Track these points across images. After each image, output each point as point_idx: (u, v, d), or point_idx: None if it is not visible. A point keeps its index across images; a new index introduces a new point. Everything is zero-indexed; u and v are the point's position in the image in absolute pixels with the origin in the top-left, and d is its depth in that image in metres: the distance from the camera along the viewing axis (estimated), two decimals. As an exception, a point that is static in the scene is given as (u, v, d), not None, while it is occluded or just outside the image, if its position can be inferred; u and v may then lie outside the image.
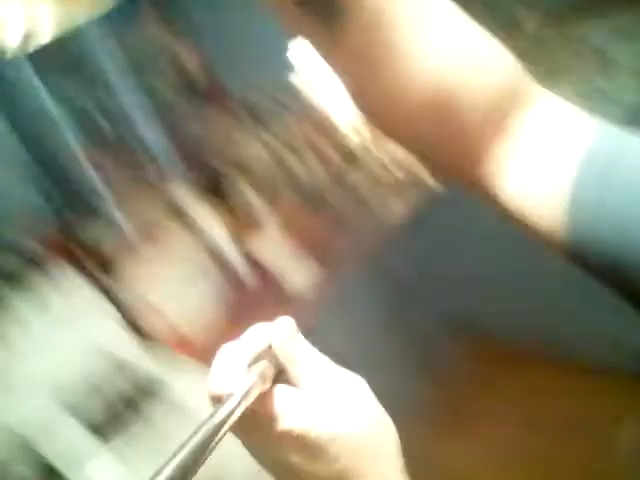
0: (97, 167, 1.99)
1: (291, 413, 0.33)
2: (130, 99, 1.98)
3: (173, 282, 2.00)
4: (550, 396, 1.88)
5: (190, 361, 1.68)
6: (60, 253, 1.89)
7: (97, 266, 1.92)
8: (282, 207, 2.18)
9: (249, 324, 0.38)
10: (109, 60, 1.91)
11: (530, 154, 0.36)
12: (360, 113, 0.40)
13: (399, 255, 2.06)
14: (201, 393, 0.37)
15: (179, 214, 2.08)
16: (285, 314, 0.38)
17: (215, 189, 2.14)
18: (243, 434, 0.35)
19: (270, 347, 0.37)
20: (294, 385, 0.35)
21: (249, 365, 0.35)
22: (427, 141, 0.38)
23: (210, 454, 0.29)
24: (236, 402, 0.31)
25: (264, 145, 2.24)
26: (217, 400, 0.34)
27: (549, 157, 0.36)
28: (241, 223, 2.10)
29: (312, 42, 0.36)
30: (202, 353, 1.64)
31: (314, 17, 0.34)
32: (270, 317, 0.38)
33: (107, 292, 1.89)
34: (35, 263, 1.82)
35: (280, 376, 0.36)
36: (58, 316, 1.77)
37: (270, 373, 0.35)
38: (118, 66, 1.95)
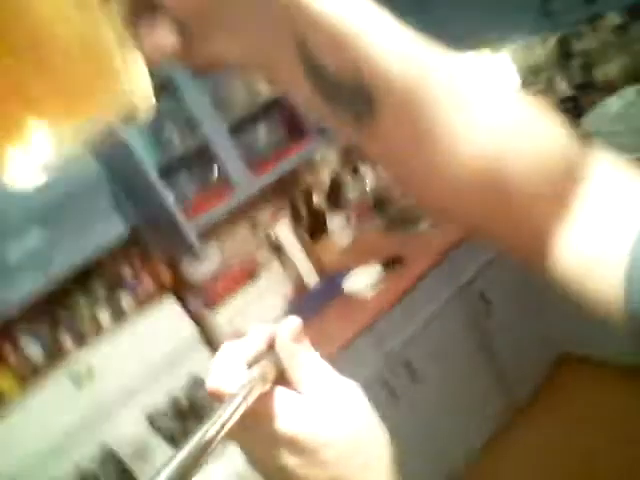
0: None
1: (288, 415, 0.33)
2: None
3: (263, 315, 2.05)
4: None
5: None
6: (163, 288, 1.93)
7: (197, 299, 1.99)
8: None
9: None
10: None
11: (587, 229, 0.36)
12: (406, 191, 0.38)
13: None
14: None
15: (278, 250, 2.15)
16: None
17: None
18: (239, 434, 0.34)
19: (273, 347, 0.37)
20: (293, 387, 0.35)
21: (250, 364, 0.35)
22: (477, 218, 0.37)
23: (211, 454, 0.29)
24: (238, 402, 0.31)
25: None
26: (215, 396, 0.34)
27: (606, 233, 0.35)
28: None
29: (345, 133, 0.35)
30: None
31: (344, 111, 0.33)
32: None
33: (204, 326, 1.97)
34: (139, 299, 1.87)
35: (280, 377, 0.35)
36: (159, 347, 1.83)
37: (271, 374, 0.35)
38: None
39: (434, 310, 2.05)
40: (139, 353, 1.89)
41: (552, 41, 2.41)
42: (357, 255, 2.32)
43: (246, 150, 2.17)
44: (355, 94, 0.32)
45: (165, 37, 0.30)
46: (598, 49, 2.29)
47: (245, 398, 0.32)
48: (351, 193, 2.46)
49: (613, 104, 2.06)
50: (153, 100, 0.31)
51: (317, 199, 2.37)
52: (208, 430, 0.29)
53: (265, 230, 2.23)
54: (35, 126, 0.28)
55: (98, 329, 1.90)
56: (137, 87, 0.30)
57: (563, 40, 2.39)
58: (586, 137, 0.36)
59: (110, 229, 1.97)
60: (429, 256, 2.06)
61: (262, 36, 0.31)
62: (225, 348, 0.36)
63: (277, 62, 0.32)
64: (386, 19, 0.32)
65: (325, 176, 2.48)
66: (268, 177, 2.09)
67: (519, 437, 2.21)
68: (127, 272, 2.01)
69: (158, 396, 1.92)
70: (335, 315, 2.02)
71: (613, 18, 2.13)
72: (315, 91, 0.32)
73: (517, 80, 2.70)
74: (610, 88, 2.19)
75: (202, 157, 2.09)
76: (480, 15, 2.11)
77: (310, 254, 2.24)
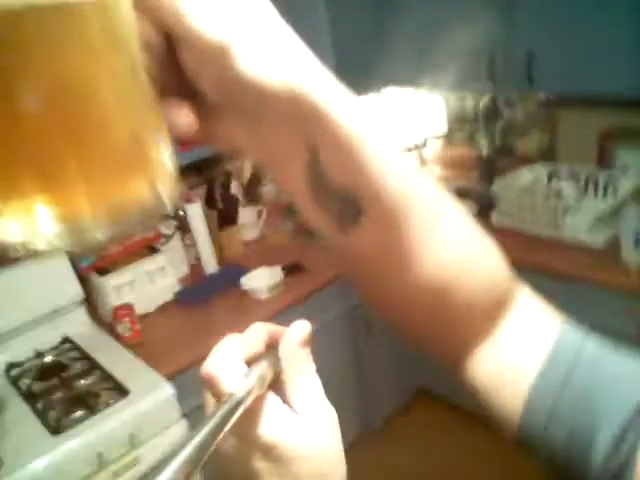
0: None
1: (273, 422, 0.33)
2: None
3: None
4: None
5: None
6: None
7: (88, 261, 1.87)
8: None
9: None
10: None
11: (503, 352, 0.42)
12: (359, 292, 0.42)
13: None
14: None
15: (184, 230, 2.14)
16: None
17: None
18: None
19: (272, 346, 0.37)
20: (282, 392, 0.35)
21: (249, 362, 0.35)
22: (422, 326, 0.42)
23: (208, 455, 0.29)
24: (237, 404, 0.31)
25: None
26: (209, 384, 0.34)
27: (518, 357, 0.42)
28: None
29: (322, 233, 0.37)
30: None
31: (330, 212, 0.35)
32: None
33: (89, 289, 1.81)
34: None
35: (274, 378, 0.35)
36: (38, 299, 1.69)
37: (269, 377, 0.34)
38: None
39: (321, 323, 2.12)
40: (17, 300, 1.78)
41: (484, 99, 2.57)
42: (260, 253, 2.34)
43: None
44: (345, 200, 0.34)
45: (184, 117, 0.30)
46: (522, 120, 2.47)
47: (244, 401, 0.32)
48: (268, 190, 2.47)
49: (524, 176, 2.24)
50: (175, 198, 0.30)
51: (234, 188, 2.35)
52: (207, 431, 0.29)
53: (176, 207, 2.18)
54: (44, 209, 0.25)
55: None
56: (165, 180, 0.29)
57: (493, 101, 2.55)
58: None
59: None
60: (328, 271, 2.12)
61: (277, 135, 0.32)
62: (227, 340, 0.36)
63: (284, 160, 0.33)
64: (385, 135, 0.34)
65: (247, 167, 2.47)
66: (190, 155, 2.04)
67: (365, 458, 2.33)
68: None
69: (24, 349, 1.83)
70: (225, 308, 2.02)
71: (541, 95, 2.31)
72: (308, 190, 0.34)
73: (445, 123, 2.85)
74: (525, 160, 2.38)
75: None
76: (432, 57, 2.20)
77: (215, 241, 2.22)
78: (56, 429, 1.52)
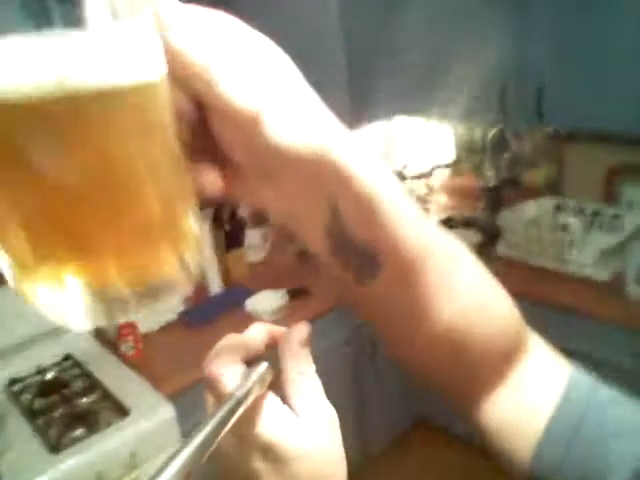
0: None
1: (272, 421, 0.33)
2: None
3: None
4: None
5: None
6: None
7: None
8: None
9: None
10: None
11: (518, 394, 0.43)
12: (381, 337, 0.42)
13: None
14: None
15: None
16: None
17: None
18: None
19: (271, 346, 0.37)
20: (282, 393, 0.35)
21: (249, 362, 0.35)
22: (438, 371, 0.43)
23: (208, 455, 0.29)
24: (237, 405, 0.31)
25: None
26: (211, 384, 0.34)
27: (532, 399, 0.43)
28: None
29: (340, 282, 0.37)
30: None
31: (348, 266, 0.35)
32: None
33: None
34: None
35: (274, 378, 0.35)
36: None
37: (268, 377, 0.34)
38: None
39: (322, 350, 2.12)
40: (19, 316, 1.78)
41: (492, 130, 2.59)
42: (265, 275, 2.34)
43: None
44: (364, 254, 0.34)
45: (212, 181, 0.31)
46: (530, 153, 2.49)
47: (244, 401, 0.32)
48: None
49: (531, 209, 2.25)
50: (200, 265, 0.30)
51: (242, 210, 2.37)
52: (209, 430, 0.29)
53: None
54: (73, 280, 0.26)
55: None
56: (192, 249, 0.29)
57: (501, 133, 2.58)
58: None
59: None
60: (332, 296, 2.13)
61: (300, 194, 0.33)
62: (227, 340, 0.36)
63: (305, 216, 0.34)
64: (403, 191, 0.35)
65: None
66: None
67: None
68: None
69: (27, 365, 1.82)
70: (229, 329, 1.98)
71: (549, 128, 2.33)
72: (328, 245, 0.35)
73: (453, 153, 2.88)
74: (532, 192, 2.40)
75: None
76: (443, 89, 2.23)
77: (221, 262, 2.23)
78: (56, 447, 1.51)
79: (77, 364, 1.87)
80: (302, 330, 0.36)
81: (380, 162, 0.34)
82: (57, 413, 1.65)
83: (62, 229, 0.25)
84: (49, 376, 1.82)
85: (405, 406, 2.62)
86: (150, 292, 0.27)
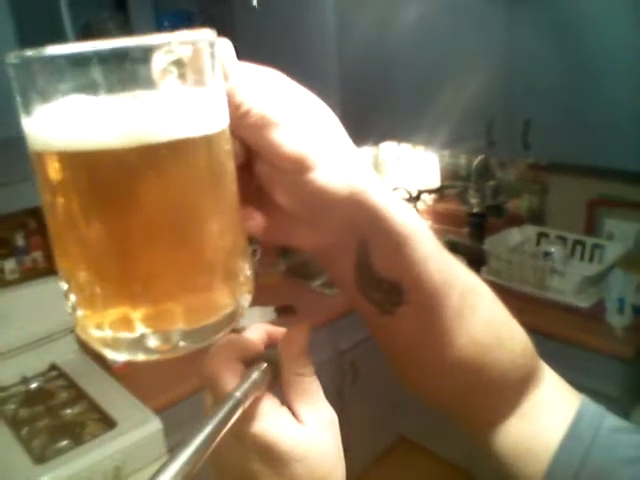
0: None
1: (270, 423, 0.33)
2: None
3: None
4: None
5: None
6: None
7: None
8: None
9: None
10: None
11: (530, 422, 0.45)
12: (393, 365, 0.43)
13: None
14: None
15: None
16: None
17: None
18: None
19: (273, 349, 0.37)
20: (281, 394, 0.36)
21: (248, 363, 0.35)
22: (454, 400, 0.44)
23: (206, 456, 0.29)
24: (236, 405, 0.31)
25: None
26: (210, 383, 0.34)
27: (544, 427, 0.45)
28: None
29: (364, 313, 0.39)
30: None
31: (373, 299, 0.37)
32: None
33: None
34: None
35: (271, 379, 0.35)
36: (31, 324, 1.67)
37: (267, 378, 0.34)
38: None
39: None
40: (6, 324, 1.78)
41: (477, 158, 2.66)
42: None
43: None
44: (389, 290, 0.36)
45: (257, 224, 0.34)
46: (514, 182, 2.56)
47: (242, 401, 0.32)
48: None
49: (514, 236, 2.31)
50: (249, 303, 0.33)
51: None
52: (208, 431, 0.29)
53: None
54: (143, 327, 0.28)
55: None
56: (245, 292, 0.32)
57: (486, 161, 2.65)
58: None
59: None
60: (320, 314, 2.15)
61: (332, 232, 0.35)
62: (226, 340, 0.36)
63: (335, 253, 0.37)
64: (429, 231, 0.38)
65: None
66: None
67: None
68: (19, 239, 1.90)
69: (11, 374, 1.81)
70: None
71: (533, 159, 2.40)
72: (354, 280, 0.37)
73: (437, 179, 2.94)
74: (515, 220, 2.46)
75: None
76: (430, 119, 2.29)
77: (209, 277, 2.23)
78: (40, 458, 1.50)
79: (63, 374, 1.86)
80: (302, 331, 0.37)
81: (407, 204, 0.37)
82: (42, 423, 1.64)
83: (133, 272, 0.28)
84: (33, 386, 1.81)
85: (387, 424, 2.63)
86: (204, 331, 0.29)
